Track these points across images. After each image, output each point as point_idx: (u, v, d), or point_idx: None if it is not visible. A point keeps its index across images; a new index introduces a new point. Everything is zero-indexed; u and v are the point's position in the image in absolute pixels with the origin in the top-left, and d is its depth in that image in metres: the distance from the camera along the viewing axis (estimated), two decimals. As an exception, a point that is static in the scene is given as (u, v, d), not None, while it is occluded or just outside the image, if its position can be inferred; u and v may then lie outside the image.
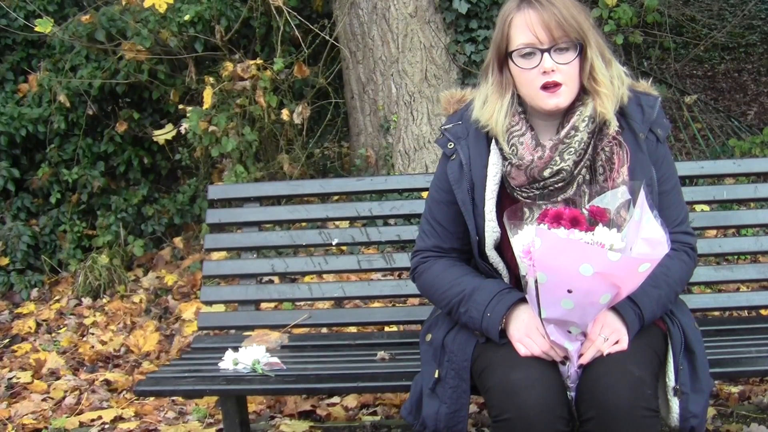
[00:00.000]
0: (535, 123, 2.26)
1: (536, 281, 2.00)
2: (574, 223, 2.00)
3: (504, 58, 2.22)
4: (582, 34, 2.15)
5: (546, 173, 2.19)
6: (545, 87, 2.17)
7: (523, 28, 2.16)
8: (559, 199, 2.20)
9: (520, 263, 2.05)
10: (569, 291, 1.98)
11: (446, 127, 2.38)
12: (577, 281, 1.96)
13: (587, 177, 2.22)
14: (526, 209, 2.19)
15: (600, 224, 2.02)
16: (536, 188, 2.20)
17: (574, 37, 2.15)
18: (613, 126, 2.20)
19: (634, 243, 2.02)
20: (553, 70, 2.15)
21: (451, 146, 2.33)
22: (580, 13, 2.17)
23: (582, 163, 2.20)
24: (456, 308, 2.25)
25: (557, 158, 2.18)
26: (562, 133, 2.20)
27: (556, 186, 2.20)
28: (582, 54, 2.17)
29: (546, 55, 2.14)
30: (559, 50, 2.15)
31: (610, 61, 2.23)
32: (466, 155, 2.29)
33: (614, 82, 2.22)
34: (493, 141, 2.27)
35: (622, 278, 1.99)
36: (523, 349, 2.11)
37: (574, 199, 2.19)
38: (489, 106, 2.26)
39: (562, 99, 2.18)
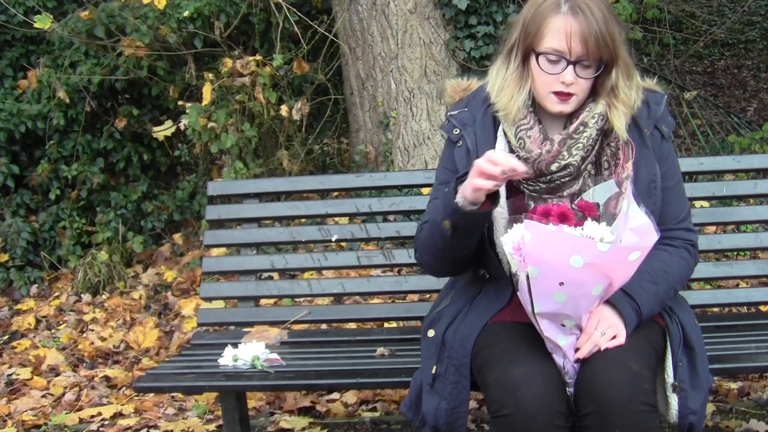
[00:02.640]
0: (542, 116, 2.26)
1: (528, 276, 2.00)
2: (563, 218, 2.02)
3: (530, 51, 2.20)
4: (613, 53, 2.14)
5: (553, 167, 2.19)
6: (557, 93, 2.17)
7: (560, 34, 2.13)
8: (564, 193, 2.20)
9: (510, 260, 2.05)
10: (561, 283, 1.99)
11: (452, 113, 2.37)
12: (569, 273, 1.97)
13: (592, 172, 2.23)
14: (531, 202, 2.20)
15: (589, 219, 2.04)
16: (543, 182, 2.21)
17: (606, 58, 2.14)
18: (622, 136, 2.20)
19: (623, 234, 2.03)
20: (572, 83, 2.15)
21: (457, 132, 2.33)
22: (615, 27, 2.14)
23: (589, 158, 2.21)
24: (433, 226, 2.21)
25: (565, 153, 2.19)
26: (571, 128, 2.21)
27: (562, 180, 2.20)
28: (606, 70, 2.17)
29: (570, 67, 2.14)
30: (583, 64, 2.15)
31: (632, 74, 2.23)
32: (473, 142, 2.29)
33: (631, 94, 2.22)
34: (500, 128, 2.27)
35: (613, 268, 2.01)
36: (488, 167, 2.02)
37: (579, 194, 2.19)
38: (507, 92, 2.24)
39: (568, 107, 2.20)
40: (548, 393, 2.01)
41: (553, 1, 2.15)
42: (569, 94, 2.17)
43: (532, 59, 2.19)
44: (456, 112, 2.37)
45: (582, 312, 2.08)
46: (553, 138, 2.21)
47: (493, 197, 2.12)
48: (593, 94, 2.23)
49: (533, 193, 2.22)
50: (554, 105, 2.19)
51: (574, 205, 2.11)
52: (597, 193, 2.18)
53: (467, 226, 2.15)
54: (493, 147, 2.26)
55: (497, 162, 2.02)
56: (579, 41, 2.11)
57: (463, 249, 2.22)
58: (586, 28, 2.10)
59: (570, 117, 2.23)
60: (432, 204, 2.36)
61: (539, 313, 2.05)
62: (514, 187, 2.26)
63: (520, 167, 2.02)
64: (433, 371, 2.24)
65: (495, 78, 2.29)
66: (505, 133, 2.26)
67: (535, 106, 2.26)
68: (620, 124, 2.20)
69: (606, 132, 2.23)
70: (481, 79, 2.42)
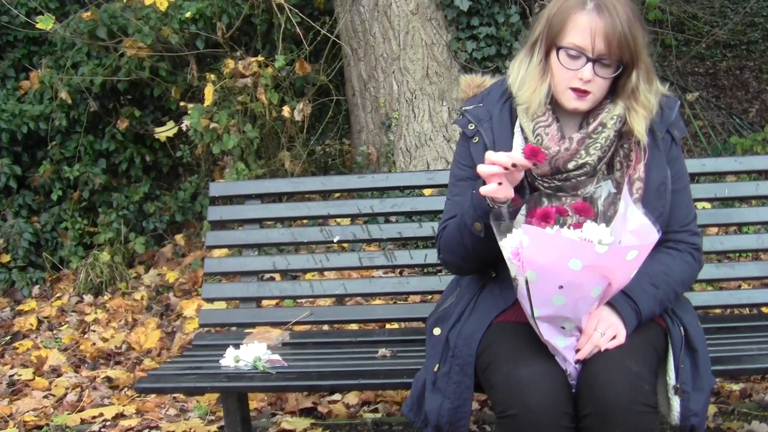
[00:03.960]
0: (559, 114, 2.27)
1: (526, 281, 2.00)
2: (545, 218, 2.02)
3: (552, 45, 2.20)
4: (634, 55, 2.15)
5: (570, 166, 2.21)
6: (574, 89, 2.18)
7: (584, 30, 2.13)
8: (579, 192, 2.21)
9: (509, 265, 2.05)
10: (560, 287, 1.99)
11: (467, 108, 2.38)
12: (567, 276, 1.97)
13: (605, 172, 2.25)
14: (545, 199, 2.21)
15: (588, 221, 2.04)
16: (558, 180, 2.22)
17: (626, 59, 2.15)
18: (643, 140, 2.21)
19: (622, 236, 2.03)
20: (589, 80, 2.16)
21: (472, 127, 2.33)
22: (638, 30, 2.15)
23: (605, 158, 2.23)
24: (461, 228, 2.23)
25: (583, 152, 2.21)
26: (591, 127, 2.22)
27: (578, 179, 2.21)
28: (625, 72, 2.17)
29: (589, 64, 2.15)
30: (603, 63, 2.16)
31: (653, 78, 2.23)
32: (490, 139, 2.30)
33: (651, 98, 2.22)
34: (517, 124, 2.28)
35: (611, 269, 2.01)
36: (489, 168, 2.06)
37: (592, 195, 2.19)
38: (529, 84, 2.25)
39: (584, 105, 2.21)
40: (554, 393, 2.01)
41: None
42: (586, 92, 2.18)
43: (553, 53, 2.20)
44: (471, 107, 2.38)
45: (581, 314, 2.08)
46: (572, 137, 2.22)
47: (521, 191, 2.15)
48: (612, 95, 2.24)
49: (548, 190, 2.23)
50: (571, 101, 2.21)
51: (569, 207, 2.11)
52: (593, 194, 2.19)
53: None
54: (511, 143, 2.28)
55: (495, 161, 2.05)
56: (602, 39, 2.12)
57: (496, 248, 2.23)
58: (610, 27, 2.11)
59: (587, 116, 2.25)
60: (452, 202, 2.37)
61: (539, 317, 2.04)
62: (530, 183, 2.26)
63: (520, 160, 2.04)
64: (436, 370, 2.24)
65: (517, 71, 2.30)
66: (522, 129, 2.27)
67: (553, 103, 2.26)
68: (640, 128, 2.21)
69: (621, 134, 2.24)
70: (495, 77, 2.43)
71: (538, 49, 2.24)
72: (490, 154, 2.08)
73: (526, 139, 2.26)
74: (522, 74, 2.28)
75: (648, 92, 2.21)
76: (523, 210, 2.20)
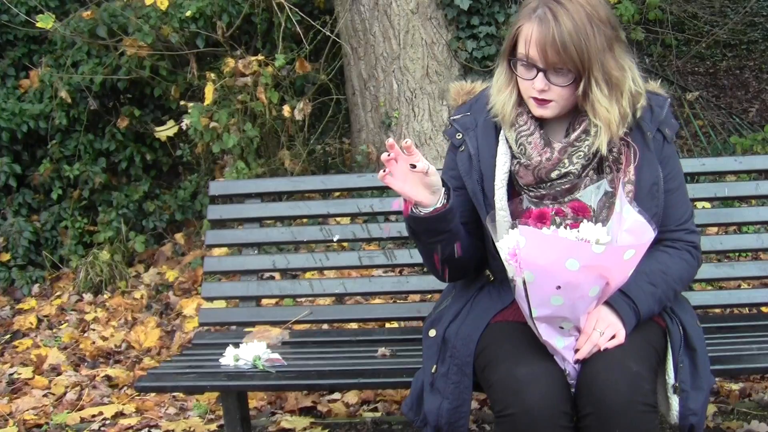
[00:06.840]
0: (544, 121, 2.25)
1: (524, 281, 2.00)
2: (541, 219, 2.03)
3: (510, 56, 2.20)
4: (581, 65, 2.08)
5: (553, 175, 2.19)
6: (534, 98, 2.17)
7: (524, 40, 2.12)
8: (566, 199, 2.20)
9: (506, 266, 2.05)
10: (558, 287, 1.99)
11: (455, 117, 2.37)
12: (565, 276, 1.97)
13: (594, 177, 2.22)
14: (530, 205, 2.20)
15: (584, 220, 2.04)
16: (543, 188, 2.21)
17: (570, 67, 2.09)
18: (603, 151, 2.17)
19: (618, 236, 2.03)
20: (544, 90, 2.13)
21: (460, 137, 2.33)
22: (590, 36, 2.07)
23: (590, 165, 2.21)
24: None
25: (566, 161, 2.19)
26: (573, 136, 2.20)
27: (563, 187, 2.20)
28: (579, 80, 2.12)
29: (541, 75, 2.12)
30: (556, 71, 2.12)
31: (616, 87, 2.15)
32: (474, 146, 2.29)
33: (613, 109, 2.14)
34: (502, 133, 2.27)
35: (609, 268, 2.01)
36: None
37: (581, 200, 2.19)
38: (500, 96, 2.24)
39: (548, 112, 2.18)
40: (553, 393, 2.01)
41: (531, 7, 2.13)
42: (545, 100, 2.16)
43: (513, 64, 2.19)
44: (459, 116, 2.37)
45: (580, 313, 2.08)
46: (554, 146, 2.20)
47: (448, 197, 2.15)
48: None
49: (534, 198, 2.22)
50: (534, 109, 2.19)
51: (566, 207, 2.11)
52: (589, 194, 2.19)
53: (424, 230, 2.18)
54: (495, 152, 2.27)
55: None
56: (537, 50, 2.09)
57: (440, 253, 2.22)
58: (547, 36, 2.06)
59: (573, 122, 2.23)
60: None
61: (537, 318, 2.05)
62: (517, 191, 2.26)
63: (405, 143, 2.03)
64: (433, 370, 2.24)
65: (495, 81, 2.29)
66: (507, 138, 2.26)
67: None
68: (598, 142, 2.16)
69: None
70: (486, 82, 2.42)
71: (505, 58, 2.23)
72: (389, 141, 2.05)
73: (510, 148, 2.25)
74: (496, 85, 2.27)
75: (606, 100, 2.13)
76: (507, 215, 2.21)
